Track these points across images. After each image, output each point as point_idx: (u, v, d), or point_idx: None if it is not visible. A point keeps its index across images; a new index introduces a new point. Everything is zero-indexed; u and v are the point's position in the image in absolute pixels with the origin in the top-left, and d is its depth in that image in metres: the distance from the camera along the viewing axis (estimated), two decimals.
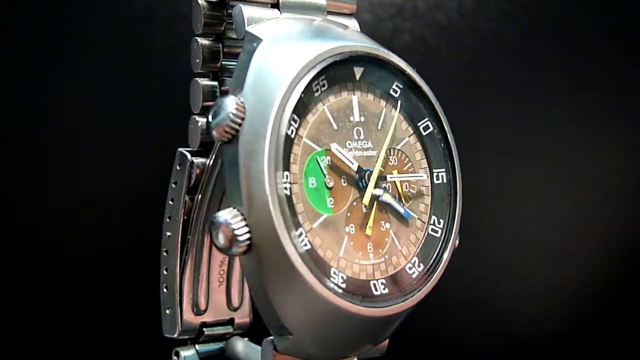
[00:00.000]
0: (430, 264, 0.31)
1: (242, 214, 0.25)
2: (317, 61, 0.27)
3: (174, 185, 0.35)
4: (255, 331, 0.38)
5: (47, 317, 0.52)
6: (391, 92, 0.32)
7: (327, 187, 0.29)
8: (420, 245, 0.31)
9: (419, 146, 0.32)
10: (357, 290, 0.28)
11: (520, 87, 0.53)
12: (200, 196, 0.35)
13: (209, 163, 0.35)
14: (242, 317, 0.38)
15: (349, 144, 0.30)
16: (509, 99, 0.53)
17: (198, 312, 0.36)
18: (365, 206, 0.30)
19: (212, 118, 0.26)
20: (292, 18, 0.30)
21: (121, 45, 0.52)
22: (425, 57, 0.52)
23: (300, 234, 0.26)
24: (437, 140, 0.33)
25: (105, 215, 0.53)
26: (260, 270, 0.25)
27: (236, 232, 0.25)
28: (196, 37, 0.34)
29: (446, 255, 0.31)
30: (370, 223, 0.30)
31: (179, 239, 0.35)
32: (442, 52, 0.53)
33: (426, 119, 0.32)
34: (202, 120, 0.35)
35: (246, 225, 0.25)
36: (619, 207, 0.52)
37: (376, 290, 0.28)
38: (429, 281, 0.30)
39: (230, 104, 0.25)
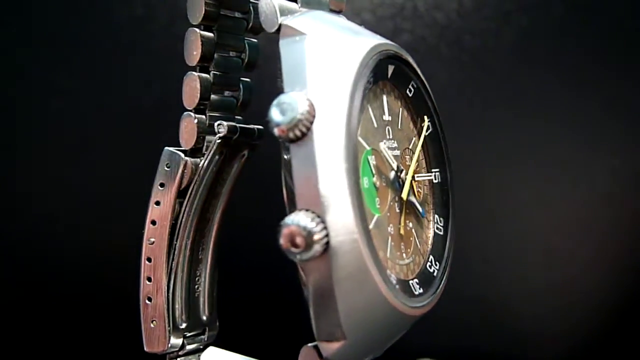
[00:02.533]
0: (444, 261, 0.31)
1: (318, 216, 0.23)
2: (368, 59, 0.26)
3: (160, 188, 0.32)
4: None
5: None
6: (407, 91, 0.31)
7: (375, 187, 0.28)
8: (432, 244, 0.31)
9: (420, 146, 0.31)
10: (405, 291, 0.27)
11: (520, 87, 0.51)
12: (189, 199, 0.32)
13: (203, 164, 0.32)
14: (212, 327, 0.35)
15: (384, 143, 0.29)
16: (509, 99, 0.52)
17: (181, 323, 0.33)
18: (398, 206, 0.29)
19: (281, 116, 0.24)
20: (317, 11, 0.29)
21: (121, 45, 0.52)
22: (425, 57, 0.51)
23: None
24: (437, 140, 0.32)
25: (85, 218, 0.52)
26: (332, 273, 0.24)
27: (316, 235, 0.23)
28: (194, 28, 0.32)
29: (448, 251, 0.31)
30: (402, 223, 0.29)
31: (166, 246, 0.32)
32: (442, 52, 0.51)
33: (429, 119, 0.31)
34: (199, 117, 0.32)
35: (325, 227, 0.23)
36: (619, 207, 0.52)
37: (415, 290, 0.28)
38: (444, 277, 0.30)
39: (301, 102, 0.24)
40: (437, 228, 0.32)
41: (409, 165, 0.31)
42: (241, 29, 0.34)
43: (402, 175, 0.29)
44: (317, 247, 0.23)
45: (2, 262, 0.52)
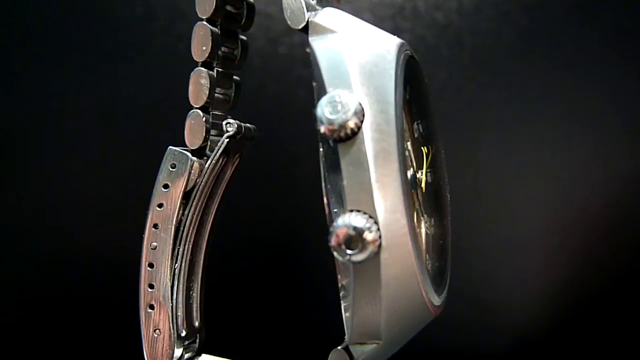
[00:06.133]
0: (443, 260, 0.30)
1: (371, 217, 0.23)
2: (400, 57, 0.26)
3: (164, 189, 0.30)
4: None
5: None
6: (406, 93, 0.29)
7: None
8: (426, 242, 0.30)
9: (409, 145, 0.31)
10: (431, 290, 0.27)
11: (520, 87, 0.50)
12: (194, 201, 0.30)
13: (210, 164, 0.31)
14: (202, 334, 0.33)
15: (406, 144, 0.29)
16: (509, 99, 0.51)
17: (182, 331, 0.31)
18: (414, 204, 0.29)
19: (332, 115, 0.23)
20: (332, 9, 0.27)
21: (121, 45, 0.52)
22: (425, 57, 0.50)
23: None
24: (428, 142, 0.31)
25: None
26: (382, 273, 0.23)
27: (372, 236, 0.23)
28: (204, 22, 0.30)
29: (449, 251, 0.30)
30: (415, 222, 0.28)
31: (170, 251, 0.30)
32: (442, 52, 0.51)
33: (420, 119, 0.30)
34: (205, 116, 0.31)
35: (379, 228, 0.23)
36: (618, 207, 0.52)
37: (432, 289, 0.27)
38: (447, 276, 0.30)
39: (352, 101, 0.23)
40: (427, 227, 0.32)
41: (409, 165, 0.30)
42: (237, 25, 0.33)
43: (418, 175, 0.29)
44: (373, 249, 0.23)
45: (1, 263, 0.52)
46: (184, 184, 0.30)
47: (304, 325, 0.51)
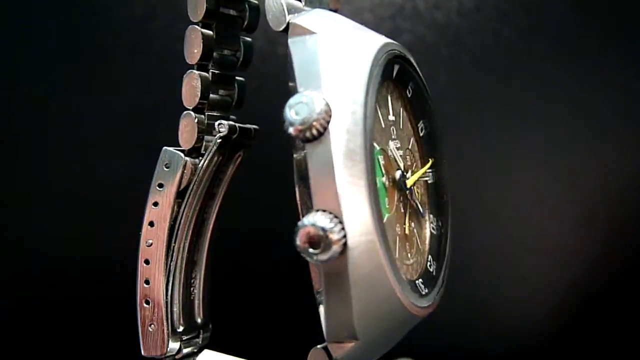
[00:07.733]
0: (443, 261, 0.30)
1: (336, 216, 0.23)
2: (379, 58, 0.26)
3: (158, 188, 0.31)
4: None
5: None
6: (406, 92, 0.30)
7: (385, 187, 0.27)
8: (429, 243, 0.31)
9: (416, 146, 0.31)
10: (414, 291, 0.27)
11: (520, 87, 0.51)
12: (188, 200, 0.31)
13: (203, 164, 0.31)
14: (206, 329, 0.34)
15: (391, 143, 0.29)
16: (509, 99, 0.51)
17: (179, 326, 0.32)
18: (403, 206, 0.29)
19: (297, 116, 0.23)
20: (321, 10, 0.28)
21: (121, 45, 0.52)
22: (425, 57, 0.50)
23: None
24: (432, 141, 0.32)
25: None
26: (349, 273, 0.23)
27: (335, 236, 0.22)
28: (195, 26, 0.31)
29: (448, 251, 0.31)
30: (407, 223, 0.29)
31: (164, 248, 0.31)
32: (442, 52, 0.51)
33: (425, 119, 0.31)
34: (199, 117, 0.32)
35: (343, 228, 0.23)
36: (619, 207, 0.52)
37: (422, 290, 0.28)
38: (444, 277, 0.30)
39: (318, 101, 0.23)
40: (433, 228, 0.32)
41: (410, 165, 0.30)
42: (237, 27, 0.34)
43: (408, 175, 0.29)
44: (336, 248, 0.23)
45: (1, 262, 0.52)
46: (178, 182, 0.31)
47: (306, 325, 0.51)
